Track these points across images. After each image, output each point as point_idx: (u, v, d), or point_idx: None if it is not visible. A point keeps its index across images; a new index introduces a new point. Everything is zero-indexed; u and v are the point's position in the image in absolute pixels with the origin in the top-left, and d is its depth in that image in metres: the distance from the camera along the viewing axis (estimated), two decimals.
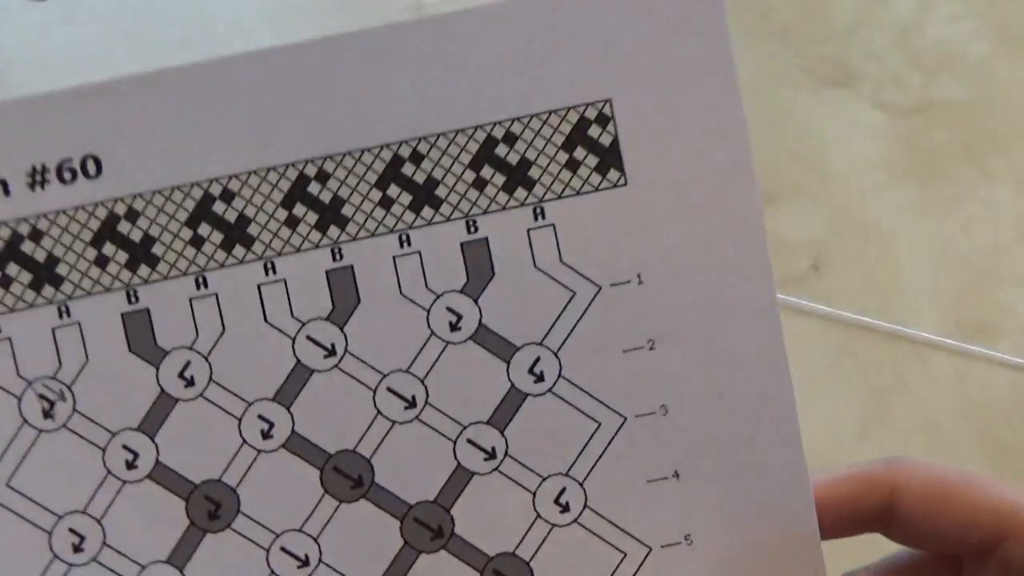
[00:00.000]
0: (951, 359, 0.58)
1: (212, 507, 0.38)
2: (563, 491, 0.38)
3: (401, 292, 0.37)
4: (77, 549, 0.37)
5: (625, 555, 0.39)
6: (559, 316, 0.38)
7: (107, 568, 0.37)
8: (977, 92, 0.55)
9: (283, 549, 0.38)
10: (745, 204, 0.38)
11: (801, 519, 0.38)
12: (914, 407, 0.57)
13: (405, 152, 0.37)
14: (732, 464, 0.38)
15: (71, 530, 0.37)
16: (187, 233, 0.37)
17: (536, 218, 0.38)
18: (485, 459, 0.38)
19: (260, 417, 0.37)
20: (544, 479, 0.38)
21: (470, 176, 0.37)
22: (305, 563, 0.38)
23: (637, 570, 0.39)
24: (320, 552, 0.38)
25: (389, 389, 0.38)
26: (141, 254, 0.37)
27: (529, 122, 0.37)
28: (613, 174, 0.38)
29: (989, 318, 0.54)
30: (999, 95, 0.56)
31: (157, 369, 0.37)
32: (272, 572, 0.38)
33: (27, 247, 0.36)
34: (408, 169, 0.37)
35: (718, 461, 0.38)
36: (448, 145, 0.37)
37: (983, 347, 0.55)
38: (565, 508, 0.38)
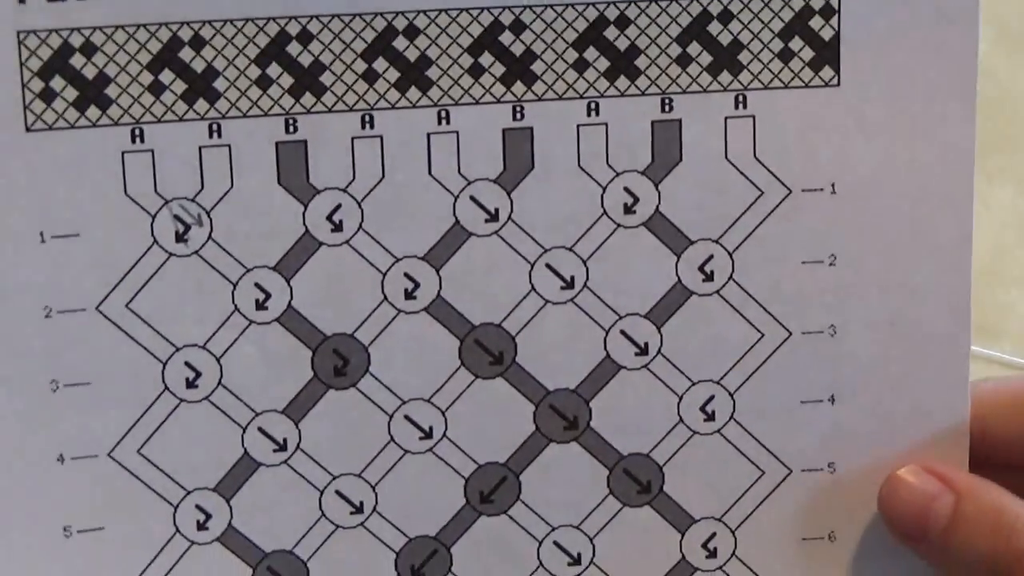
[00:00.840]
0: None
1: (339, 362, 0.41)
2: (711, 399, 0.42)
3: (579, 164, 0.40)
4: (191, 385, 0.40)
5: (763, 473, 0.42)
6: (742, 214, 0.41)
7: (219, 409, 0.40)
8: (977, 92, 0.58)
9: (407, 418, 0.41)
10: (960, 131, 0.40)
11: (955, 459, 0.42)
12: None
13: (612, 14, 0.39)
14: (892, 397, 0.42)
15: (187, 364, 0.40)
16: (360, 66, 0.39)
17: (737, 106, 0.40)
18: (636, 354, 0.41)
19: (406, 275, 0.40)
20: (693, 384, 0.42)
21: (675, 51, 0.40)
22: (428, 435, 0.41)
23: (772, 491, 0.42)
24: (446, 426, 0.41)
25: (548, 265, 0.40)
26: (308, 81, 0.39)
27: (750, 2, 0.39)
28: (827, 72, 0.40)
29: (989, 318, 0.58)
30: (999, 95, 0.59)
31: (305, 207, 0.40)
32: (392, 439, 0.41)
33: (186, 54, 0.38)
34: (611, 33, 0.39)
35: (878, 392, 0.42)
36: (659, 14, 0.39)
37: (983, 347, 0.58)
38: (710, 417, 0.42)
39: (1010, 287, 0.55)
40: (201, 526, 0.40)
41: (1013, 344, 0.57)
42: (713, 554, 0.42)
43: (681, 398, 0.41)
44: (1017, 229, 0.56)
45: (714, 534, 0.42)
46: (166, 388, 0.40)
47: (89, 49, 0.37)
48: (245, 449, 0.40)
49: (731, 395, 0.41)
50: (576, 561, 0.42)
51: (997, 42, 0.55)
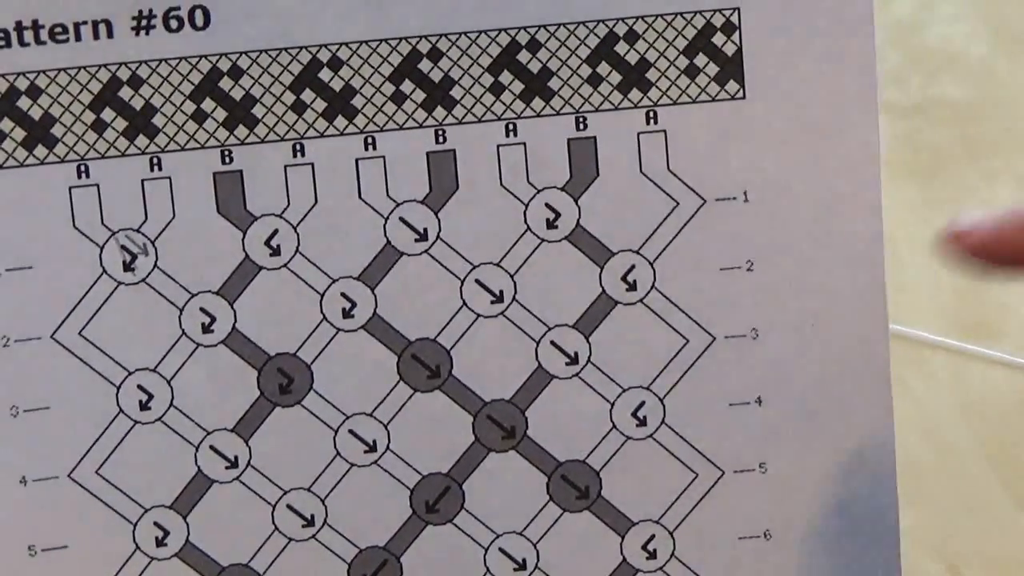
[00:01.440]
0: (951, 359, 0.63)
1: (284, 381, 0.43)
2: (642, 404, 0.44)
3: (501, 183, 0.43)
4: (144, 407, 0.43)
5: (696, 476, 0.44)
6: (659, 225, 0.43)
7: (171, 429, 0.43)
8: (977, 92, 0.59)
9: (351, 432, 0.43)
10: (864, 134, 0.43)
11: (881, 456, 0.44)
12: (914, 407, 0.63)
13: (523, 39, 0.42)
14: (817, 396, 0.44)
15: (140, 387, 0.43)
16: (289, 97, 0.42)
17: (648, 122, 0.43)
18: (567, 363, 0.44)
19: (343, 295, 0.43)
20: (624, 390, 0.44)
21: (586, 71, 0.42)
22: (372, 448, 0.44)
23: (706, 492, 0.44)
24: (388, 439, 0.44)
25: (477, 281, 0.43)
26: (240, 114, 0.42)
27: (654, 22, 0.42)
28: (732, 86, 0.43)
29: (989, 318, 0.60)
30: (999, 95, 0.60)
31: (244, 234, 0.42)
32: (338, 453, 0.44)
33: (125, 93, 0.41)
34: (524, 56, 0.42)
35: (803, 392, 0.44)
36: (567, 36, 0.42)
37: (983, 347, 0.60)
38: (642, 422, 0.44)
39: (1010, 287, 0.56)
40: (160, 542, 0.43)
41: (1013, 344, 0.58)
42: (653, 555, 0.44)
43: (613, 405, 0.43)
44: None
45: (653, 536, 0.44)
46: (120, 411, 0.42)
47: (34, 91, 0.41)
48: (199, 467, 0.43)
49: (661, 400, 0.43)
50: (522, 566, 0.44)
51: (997, 42, 0.57)
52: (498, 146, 0.42)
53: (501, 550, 0.44)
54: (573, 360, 0.43)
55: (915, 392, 0.63)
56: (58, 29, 0.40)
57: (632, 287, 0.42)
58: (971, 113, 0.58)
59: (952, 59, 0.57)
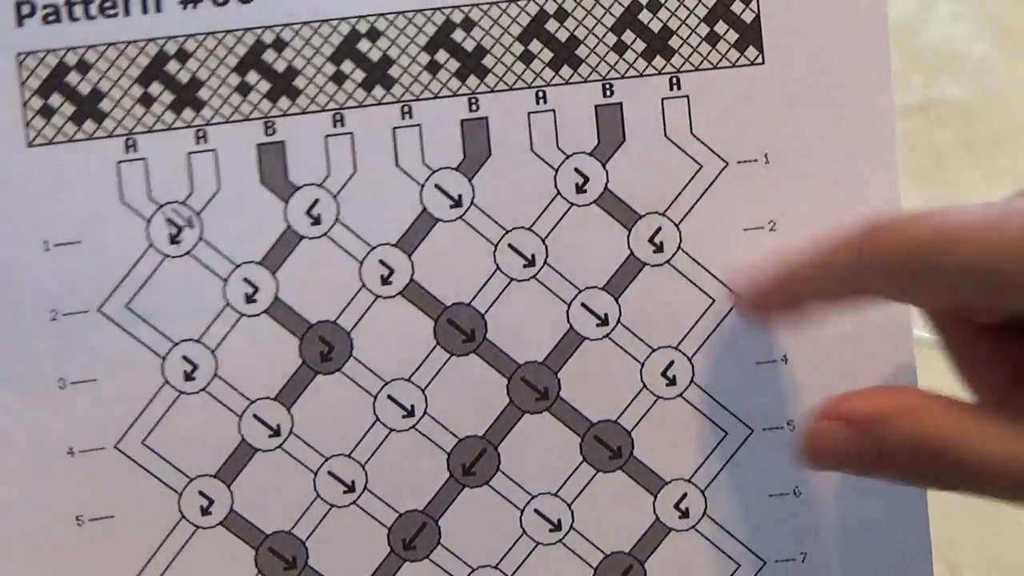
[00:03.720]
0: None
1: (325, 348, 0.45)
2: (671, 364, 0.46)
3: (532, 149, 0.45)
4: (188, 377, 0.45)
5: (726, 434, 0.47)
6: (684, 188, 0.46)
7: (216, 399, 0.45)
8: (977, 92, 0.61)
9: (390, 397, 0.45)
10: (879, 95, 0.46)
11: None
12: None
13: (551, 8, 0.45)
14: (841, 351, 0.46)
15: (184, 358, 0.45)
16: (330, 68, 0.44)
17: (672, 88, 0.45)
18: (597, 325, 0.46)
19: (381, 262, 0.45)
20: (653, 351, 0.46)
21: (611, 39, 0.45)
22: (410, 413, 0.46)
23: (737, 450, 0.47)
24: (427, 403, 0.46)
25: (510, 245, 0.45)
26: (283, 85, 0.44)
27: None
28: (751, 52, 0.45)
29: None
30: (999, 95, 0.63)
31: (286, 204, 0.44)
32: (377, 419, 0.45)
33: (172, 67, 0.44)
34: (552, 25, 0.45)
35: (827, 347, 0.46)
36: (594, 6, 0.45)
37: None
38: (671, 381, 0.46)
39: None
40: (205, 511, 0.44)
41: None
42: (685, 514, 0.46)
43: (643, 365, 0.45)
44: None
45: (685, 495, 0.46)
46: (166, 382, 0.44)
47: (83, 67, 0.43)
48: (242, 436, 0.44)
49: (689, 360, 0.45)
50: (557, 527, 0.46)
51: (997, 42, 0.59)
52: (529, 113, 0.44)
53: (537, 511, 0.45)
54: (603, 321, 0.45)
55: None
56: (108, 3, 0.42)
57: (659, 249, 0.45)
58: (971, 113, 0.60)
59: (952, 59, 0.59)
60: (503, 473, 0.45)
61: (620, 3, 0.44)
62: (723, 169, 0.45)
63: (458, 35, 0.43)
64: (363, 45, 0.43)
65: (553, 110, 0.44)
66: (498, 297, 0.44)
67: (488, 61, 0.44)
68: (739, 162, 0.45)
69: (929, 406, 0.38)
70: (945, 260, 0.36)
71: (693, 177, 0.44)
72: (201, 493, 0.44)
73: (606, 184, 0.44)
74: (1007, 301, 0.36)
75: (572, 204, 0.44)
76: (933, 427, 0.38)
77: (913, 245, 0.37)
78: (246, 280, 0.43)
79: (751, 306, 0.43)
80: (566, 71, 0.44)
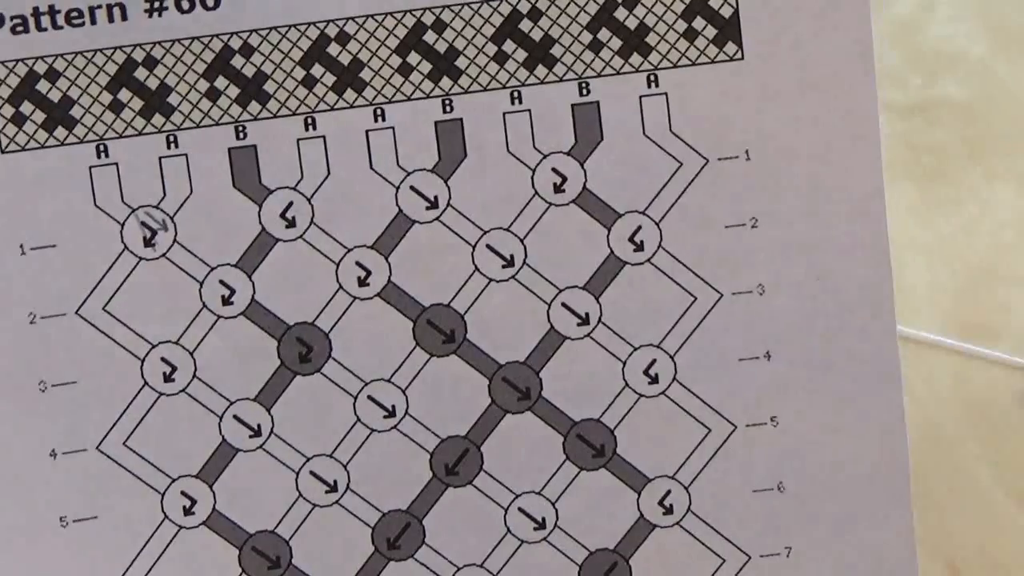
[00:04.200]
0: (951, 359, 0.65)
1: (303, 349, 0.45)
2: (653, 362, 0.46)
3: (508, 149, 0.45)
4: (168, 379, 0.45)
5: (709, 431, 0.46)
6: (664, 186, 0.45)
7: (195, 400, 0.45)
8: (977, 92, 0.60)
9: (370, 398, 0.45)
10: (860, 91, 0.44)
11: (889, 407, 0.46)
12: (914, 407, 0.64)
13: (524, 7, 0.44)
14: (824, 349, 0.46)
15: (163, 359, 0.45)
16: (300, 73, 0.44)
17: (649, 85, 0.45)
18: (578, 324, 0.45)
19: (358, 264, 0.45)
20: (635, 349, 0.46)
21: (587, 38, 0.44)
22: (391, 414, 0.46)
23: (721, 446, 0.46)
24: (407, 404, 0.45)
25: (488, 246, 0.45)
26: (253, 90, 0.44)
27: None
28: (730, 47, 0.44)
29: (989, 318, 0.61)
30: (999, 95, 0.61)
31: (260, 207, 0.44)
32: (358, 419, 0.45)
33: (140, 74, 0.43)
34: (525, 25, 0.44)
35: (810, 345, 0.46)
36: (567, 4, 0.44)
37: (983, 347, 0.61)
38: (654, 379, 0.46)
39: (1010, 287, 0.58)
40: (188, 511, 0.45)
41: (1013, 344, 0.60)
42: (670, 511, 0.46)
43: (625, 363, 0.45)
44: (1017, 229, 0.59)
45: (669, 491, 0.46)
46: (145, 383, 0.44)
47: (53, 75, 0.43)
48: (223, 436, 0.45)
49: (671, 357, 0.45)
50: (541, 525, 0.46)
51: (997, 42, 0.58)
52: (504, 114, 0.44)
53: (520, 510, 0.45)
54: (584, 321, 0.45)
55: (915, 392, 0.64)
56: (74, 13, 0.42)
57: (639, 247, 0.44)
58: (971, 113, 0.59)
59: (952, 59, 0.58)
60: (486, 472, 0.45)
61: (595, 1, 0.43)
62: (703, 166, 0.44)
63: (430, 37, 0.43)
64: (333, 49, 0.43)
65: (529, 110, 0.43)
66: (477, 298, 0.44)
67: (461, 62, 0.43)
68: (719, 159, 0.44)
69: None
70: None
71: (673, 175, 0.44)
72: (183, 493, 0.44)
73: (584, 183, 0.44)
74: None
75: (550, 204, 0.44)
76: None
77: None
78: (222, 282, 0.43)
79: None
80: (541, 71, 0.43)
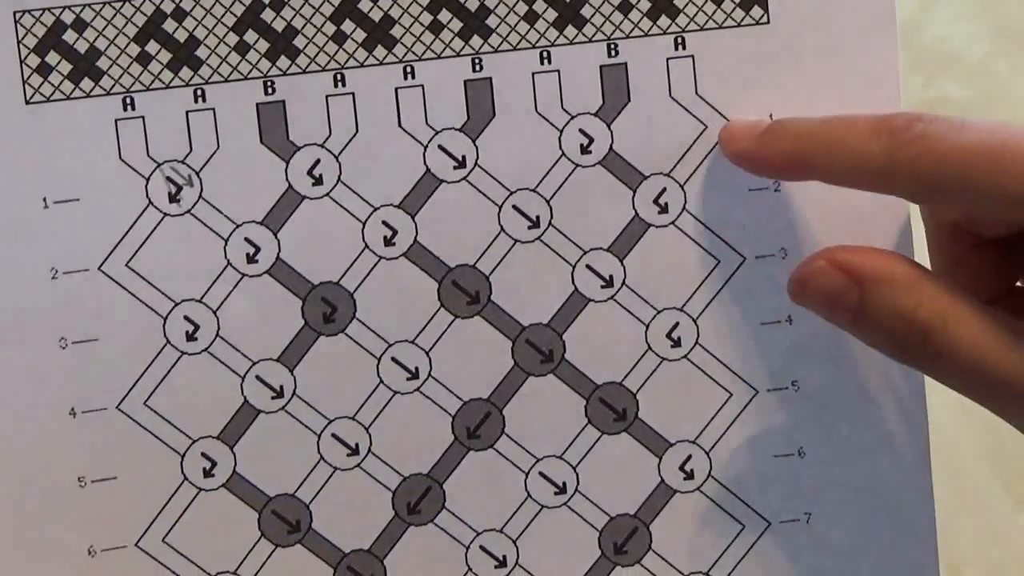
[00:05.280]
0: None
1: (328, 310, 0.44)
2: (676, 326, 0.45)
3: (536, 110, 0.44)
4: (190, 338, 0.44)
5: (731, 395, 0.46)
6: (689, 148, 0.45)
7: (218, 360, 0.44)
8: (977, 92, 0.61)
9: (394, 359, 0.45)
10: (883, 54, 0.44)
11: (911, 372, 0.46)
12: None
13: None
14: None
15: (186, 318, 0.44)
16: (330, 28, 0.43)
17: (677, 48, 0.44)
18: (602, 286, 0.45)
19: (384, 223, 0.44)
20: (658, 312, 0.45)
21: None
22: (415, 375, 0.45)
23: (741, 411, 0.46)
24: (431, 366, 0.45)
25: (514, 207, 0.44)
26: (282, 45, 0.43)
27: None
28: (756, 11, 0.44)
29: None
30: (999, 95, 0.62)
31: (287, 164, 0.43)
32: (381, 381, 0.45)
33: (169, 26, 0.43)
34: None
35: None
36: None
37: None
38: (676, 343, 0.45)
39: None
40: (207, 473, 0.44)
41: None
42: (690, 476, 0.45)
43: (648, 326, 0.45)
44: None
45: (690, 456, 0.45)
46: (167, 342, 0.43)
47: (80, 25, 0.42)
48: (245, 397, 0.44)
49: (694, 321, 0.45)
50: (562, 490, 0.45)
51: (997, 42, 0.59)
52: (533, 74, 0.43)
53: (541, 474, 0.45)
54: (608, 283, 0.44)
55: None
56: None
57: (664, 210, 0.44)
58: (971, 113, 0.59)
59: (952, 59, 0.59)
60: (508, 436, 0.44)
61: None
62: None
63: None
64: (364, 5, 0.42)
65: (558, 71, 0.43)
66: (503, 259, 0.43)
67: (492, 21, 0.43)
68: None
69: (924, 283, 0.39)
70: (992, 182, 0.37)
71: (698, 137, 0.44)
72: (203, 455, 0.43)
73: (611, 145, 0.43)
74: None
75: (577, 165, 0.43)
76: (924, 306, 0.38)
77: (960, 161, 0.37)
78: (247, 240, 0.42)
79: (742, 149, 0.42)
80: (571, 31, 0.43)
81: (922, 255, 0.43)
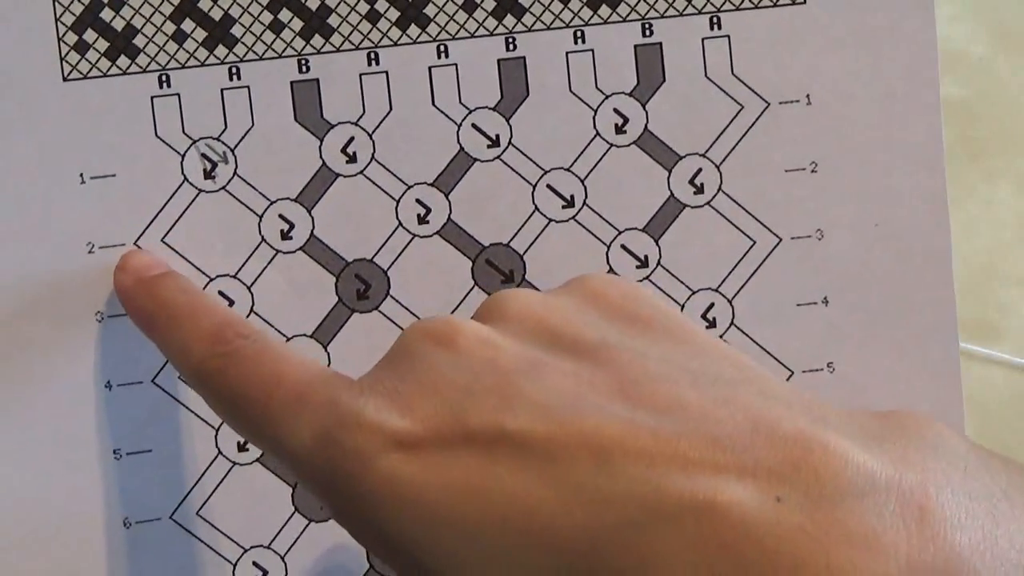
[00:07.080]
0: None
1: (362, 287, 0.44)
2: (711, 306, 0.44)
3: (571, 89, 0.43)
4: None
5: None
6: (725, 128, 0.44)
7: None
8: (977, 92, 0.60)
9: None
10: (920, 37, 0.43)
11: (945, 353, 0.44)
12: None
13: None
14: (881, 294, 0.44)
15: (221, 293, 0.43)
16: (364, 7, 0.43)
17: (712, 27, 0.43)
18: (637, 267, 0.44)
19: (418, 201, 0.43)
20: (693, 292, 0.44)
21: None
22: None
23: None
24: None
25: (548, 186, 0.44)
26: (316, 23, 0.43)
27: None
28: None
29: (989, 318, 0.60)
30: (999, 95, 0.61)
31: (321, 141, 0.43)
32: None
33: (204, 4, 0.42)
34: None
35: (867, 290, 0.44)
36: None
37: (983, 347, 0.60)
38: (712, 324, 0.45)
39: (1010, 287, 0.57)
40: (241, 447, 0.43)
41: (1013, 344, 0.59)
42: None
43: (683, 307, 0.44)
44: (1017, 229, 0.58)
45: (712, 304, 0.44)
46: None
47: (116, 3, 0.41)
48: None
49: (730, 302, 0.44)
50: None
51: (997, 42, 0.57)
52: (567, 53, 0.42)
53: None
54: (643, 263, 0.43)
55: None
56: None
57: (699, 190, 0.43)
58: (971, 113, 0.58)
59: (952, 59, 0.57)
60: None
61: None
62: (764, 110, 0.43)
63: None
64: None
65: (592, 50, 0.42)
66: (537, 238, 0.43)
67: (525, 1, 0.42)
68: (780, 103, 0.43)
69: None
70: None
71: (734, 118, 0.43)
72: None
73: (646, 125, 0.42)
74: None
75: (611, 145, 0.42)
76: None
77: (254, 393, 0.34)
78: (281, 216, 0.42)
79: (124, 284, 0.42)
80: (604, 10, 0.42)
81: (958, 238, 0.42)
